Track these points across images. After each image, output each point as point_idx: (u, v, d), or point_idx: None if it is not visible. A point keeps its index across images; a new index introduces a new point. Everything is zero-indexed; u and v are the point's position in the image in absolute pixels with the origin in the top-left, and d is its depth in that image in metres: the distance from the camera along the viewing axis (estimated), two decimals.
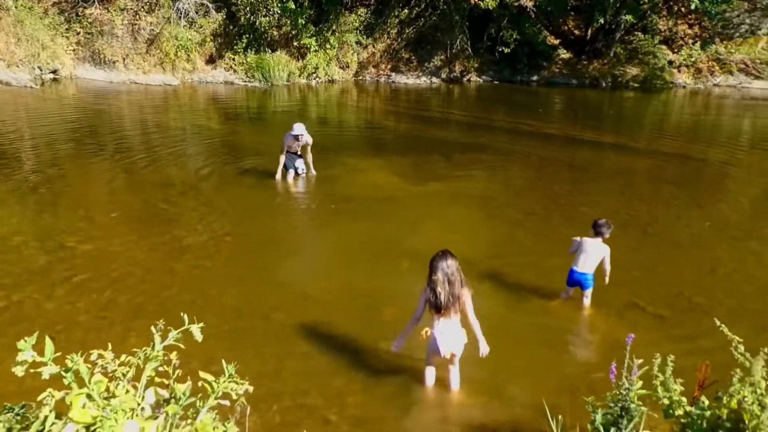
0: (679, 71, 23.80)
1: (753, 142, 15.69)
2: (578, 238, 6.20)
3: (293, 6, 20.45)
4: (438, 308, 4.44)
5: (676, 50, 24.18)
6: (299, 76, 21.56)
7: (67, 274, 6.74)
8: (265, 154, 11.85)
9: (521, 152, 13.27)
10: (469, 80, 23.16)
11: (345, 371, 5.10)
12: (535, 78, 23.61)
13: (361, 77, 22.84)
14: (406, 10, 22.77)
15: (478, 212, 9.23)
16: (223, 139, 14.11)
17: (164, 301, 6.22)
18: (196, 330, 2.47)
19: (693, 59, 23.82)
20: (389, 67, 23.05)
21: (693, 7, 20.88)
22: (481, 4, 20.46)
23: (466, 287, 4.47)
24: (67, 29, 20.51)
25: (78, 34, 20.55)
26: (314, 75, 21.75)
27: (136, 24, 20.55)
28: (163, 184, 10.28)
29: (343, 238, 8.18)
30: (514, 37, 22.05)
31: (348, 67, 22.64)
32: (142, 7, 20.64)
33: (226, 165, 11.54)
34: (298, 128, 10.00)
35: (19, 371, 2.16)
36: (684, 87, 23.25)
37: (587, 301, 6.21)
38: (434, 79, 22.96)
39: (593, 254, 6.06)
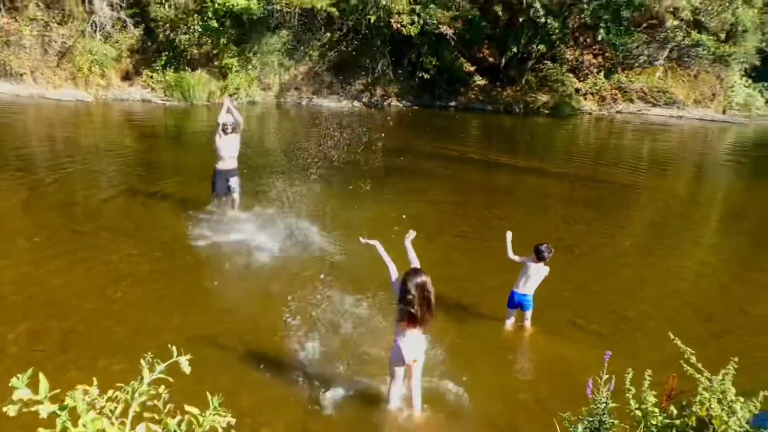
0: (585, 98, 25.36)
1: (652, 164, 16.99)
2: (520, 258, 6.46)
3: (216, 25, 20.16)
4: (413, 322, 4.54)
5: (582, 79, 25.76)
6: (220, 96, 21.18)
7: None
8: (183, 173, 11.61)
9: (446, 176, 13.69)
10: (389, 105, 23.60)
11: (304, 399, 5.04)
12: (453, 103, 24.39)
13: (282, 99, 22.77)
14: (328, 34, 22.96)
15: (425, 239, 9.20)
16: (140, 158, 13.74)
17: (103, 330, 5.92)
18: (184, 362, 2.40)
19: (597, 87, 25.47)
20: (311, 89, 23.13)
21: (600, 38, 22.34)
22: (404, 30, 20.98)
23: None
24: None
25: None
26: (235, 95, 21.45)
27: (46, 36, 19.58)
28: (83, 203, 9.86)
29: (277, 263, 8.04)
30: (434, 63, 22.73)
31: (270, 88, 22.53)
32: (54, 18, 19.70)
33: (144, 184, 11.23)
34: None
35: (12, 411, 2.04)
36: (590, 113, 24.78)
37: (528, 322, 6.47)
38: (355, 103, 23.24)
39: (534, 277, 6.35)
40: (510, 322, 6.56)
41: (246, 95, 21.70)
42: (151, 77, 20.66)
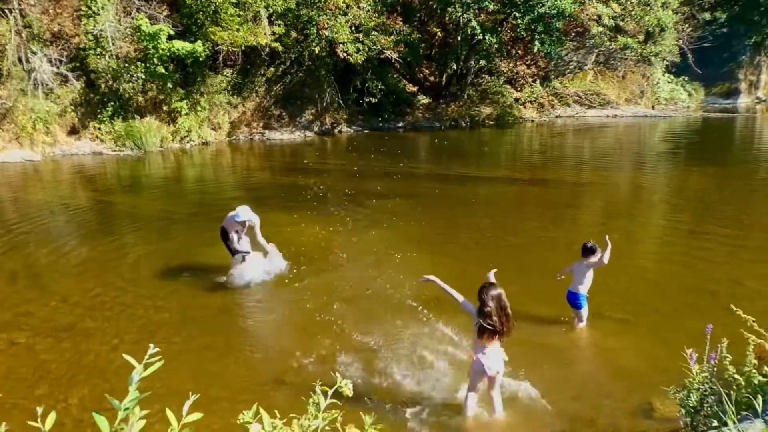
0: (525, 107, 26.53)
1: (593, 161, 18.05)
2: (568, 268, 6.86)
3: (162, 70, 20.11)
4: (492, 334, 4.79)
5: (519, 89, 26.97)
6: (172, 140, 21.13)
7: None
8: (141, 220, 11.67)
9: (424, 194, 14.13)
10: (340, 131, 24.01)
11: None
12: (401, 124, 25.04)
13: (234, 137, 22.83)
14: (272, 69, 23.25)
15: (422, 255, 9.29)
16: (99, 212, 13.48)
17: None
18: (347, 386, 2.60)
19: (535, 95, 26.70)
20: (261, 124, 23.30)
21: (536, 50, 23.51)
22: (350, 58, 21.49)
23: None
24: None
25: None
26: (187, 138, 21.42)
27: None
28: (49, 270, 9.58)
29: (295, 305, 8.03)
30: (380, 87, 23.33)
31: (220, 127, 22.56)
32: None
33: (106, 240, 11.11)
34: (243, 212, 8.43)
35: None
36: (532, 121, 25.92)
37: (581, 323, 6.80)
38: (308, 133, 23.54)
39: (587, 275, 6.65)
40: (579, 323, 6.84)
41: (198, 137, 21.67)
42: (99, 129, 20.36)
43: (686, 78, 29.20)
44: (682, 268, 8.70)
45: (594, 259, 6.57)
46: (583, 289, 6.69)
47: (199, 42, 20.31)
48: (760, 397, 3.48)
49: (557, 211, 12.50)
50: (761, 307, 4.37)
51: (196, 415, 1.97)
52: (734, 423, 3.35)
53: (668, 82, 28.59)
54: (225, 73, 22.75)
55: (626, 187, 15.47)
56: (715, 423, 3.71)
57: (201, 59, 20.69)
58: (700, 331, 4.25)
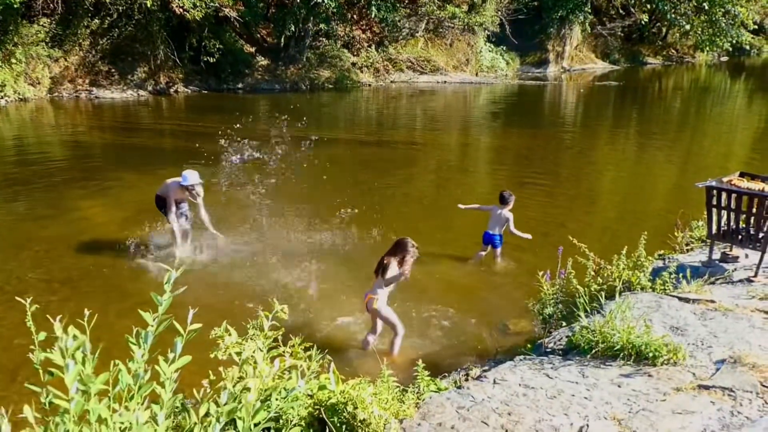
0: (362, 71, 27.43)
1: (426, 124, 19.55)
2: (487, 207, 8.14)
3: None
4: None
5: (356, 53, 27.76)
6: None
7: None
8: None
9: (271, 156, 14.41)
10: (176, 91, 23.15)
11: None
12: (240, 85, 24.72)
13: (57, 94, 21.09)
14: (97, 20, 21.66)
15: (302, 212, 9.78)
16: None
17: None
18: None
19: (371, 60, 27.69)
20: (88, 81, 21.76)
21: (372, 16, 24.33)
22: (187, 15, 20.70)
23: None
24: None
25: None
26: (1, 94, 19.42)
27: None
28: None
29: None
30: (218, 46, 22.78)
31: (39, 83, 20.70)
32: None
33: None
34: (191, 176, 7.85)
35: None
36: (369, 85, 26.94)
37: (499, 258, 8.17)
38: (141, 92, 22.41)
39: (499, 219, 7.91)
40: (480, 256, 8.12)
41: (14, 92, 19.73)
42: None
43: (504, 48, 31.93)
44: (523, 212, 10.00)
45: (507, 209, 7.91)
46: (499, 231, 8.01)
47: None
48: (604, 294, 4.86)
49: (402, 170, 13.58)
50: (583, 242, 5.67)
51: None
52: (586, 317, 4.47)
53: (489, 51, 31.11)
54: (42, 23, 20.79)
55: (457, 146, 17.07)
56: (564, 324, 4.85)
57: (15, 6, 18.72)
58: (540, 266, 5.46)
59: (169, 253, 8.23)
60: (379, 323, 5.88)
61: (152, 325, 2.29)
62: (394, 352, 5.76)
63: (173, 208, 8.04)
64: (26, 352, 2.34)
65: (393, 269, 5.59)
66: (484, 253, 8.15)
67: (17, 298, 2.56)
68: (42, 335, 2.23)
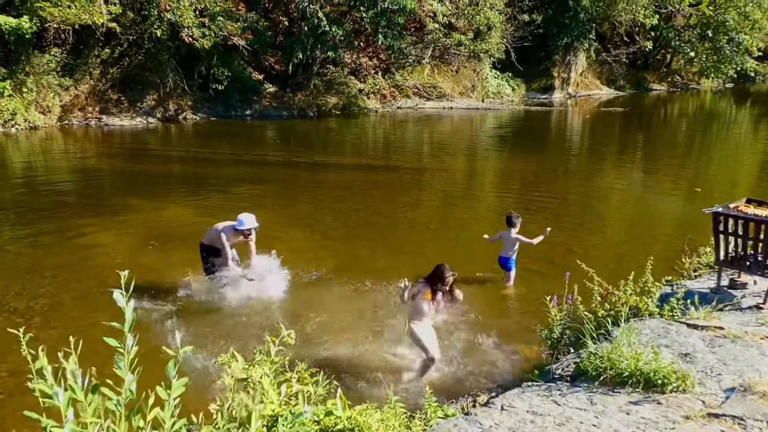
0: (369, 98, 27.68)
1: (433, 149, 19.65)
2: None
3: None
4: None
5: (362, 80, 28.05)
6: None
7: None
8: None
9: (281, 180, 14.65)
10: (185, 118, 23.40)
11: None
12: (248, 112, 24.97)
13: (67, 121, 21.35)
14: (107, 50, 22.01)
15: (315, 236, 10.14)
16: None
17: None
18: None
19: (377, 87, 27.95)
20: (97, 109, 22.03)
21: (379, 43, 24.69)
22: (196, 44, 21.03)
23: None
24: None
25: None
26: (12, 122, 19.69)
27: None
28: None
29: None
30: (226, 74, 23.06)
31: (50, 111, 20.97)
32: None
33: None
34: (248, 220, 7.46)
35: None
36: (376, 111, 27.16)
37: (510, 282, 8.17)
38: (150, 119, 22.66)
39: (510, 242, 7.97)
40: (508, 283, 8.20)
41: (24, 120, 19.99)
42: None
43: (510, 74, 32.17)
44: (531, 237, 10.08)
45: (515, 230, 7.94)
46: (513, 255, 8.03)
47: (26, 17, 18.73)
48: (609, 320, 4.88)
49: (410, 195, 13.64)
50: (590, 267, 5.67)
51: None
52: (593, 343, 4.45)
53: (495, 78, 31.36)
54: (53, 53, 21.14)
55: (464, 171, 17.12)
56: (572, 350, 4.85)
57: (27, 36, 19.08)
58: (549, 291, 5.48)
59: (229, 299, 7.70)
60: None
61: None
62: (419, 374, 5.93)
63: (231, 254, 7.60)
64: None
65: (421, 300, 5.84)
66: (504, 277, 8.29)
67: (10, 330, 2.60)
68: (41, 362, 2.24)
